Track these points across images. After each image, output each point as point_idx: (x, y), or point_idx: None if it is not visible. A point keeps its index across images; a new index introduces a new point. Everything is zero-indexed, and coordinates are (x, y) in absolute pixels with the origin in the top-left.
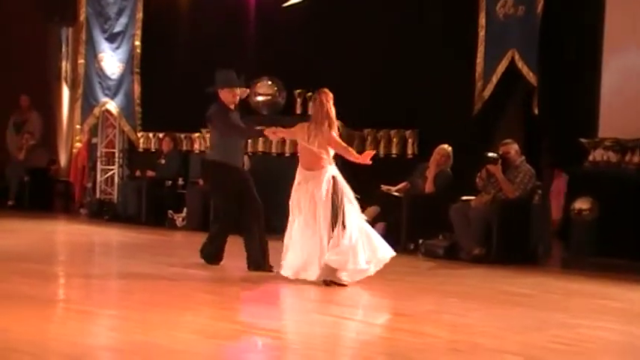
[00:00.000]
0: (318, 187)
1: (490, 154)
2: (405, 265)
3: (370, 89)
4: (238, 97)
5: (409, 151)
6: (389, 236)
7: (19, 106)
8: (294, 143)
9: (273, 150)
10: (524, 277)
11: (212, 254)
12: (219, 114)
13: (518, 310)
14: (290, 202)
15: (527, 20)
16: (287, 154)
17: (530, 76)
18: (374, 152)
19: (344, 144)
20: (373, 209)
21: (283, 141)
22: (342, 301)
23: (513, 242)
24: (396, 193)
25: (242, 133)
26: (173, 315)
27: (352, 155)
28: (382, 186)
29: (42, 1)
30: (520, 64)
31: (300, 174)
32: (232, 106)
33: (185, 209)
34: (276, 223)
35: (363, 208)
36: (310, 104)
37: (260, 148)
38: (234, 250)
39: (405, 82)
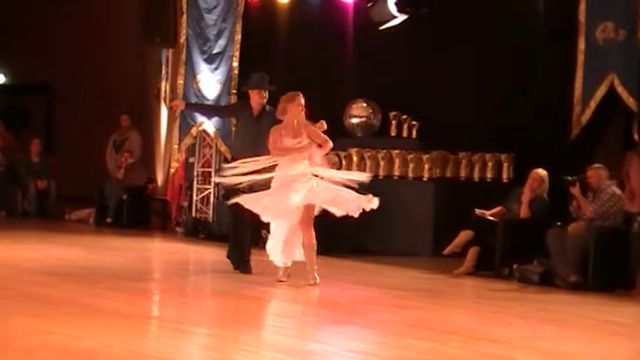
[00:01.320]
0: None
1: (567, 177)
2: (499, 291)
3: (465, 112)
4: (265, 99)
5: (504, 175)
6: (483, 261)
7: (120, 126)
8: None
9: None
10: (622, 305)
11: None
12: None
13: (617, 339)
14: None
15: (628, 45)
16: (381, 177)
17: (631, 101)
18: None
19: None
20: (467, 234)
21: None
22: (436, 325)
23: (611, 269)
24: (490, 218)
25: None
26: (264, 334)
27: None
28: (476, 210)
29: (143, 24)
30: (620, 88)
31: None
32: (258, 106)
33: None
34: (367, 243)
35: (455, 233)
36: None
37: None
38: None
39: (501, 105)
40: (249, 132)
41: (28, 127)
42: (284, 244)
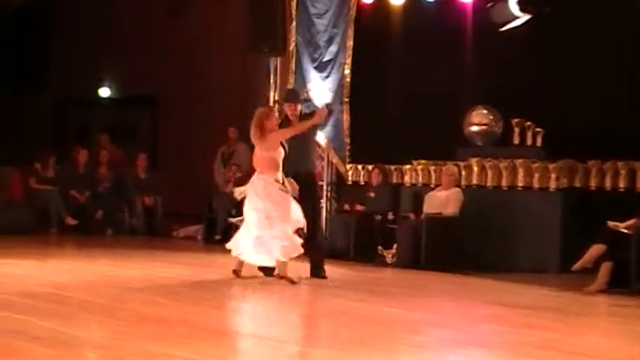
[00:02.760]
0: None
1: None
2: (635, 308)
3: (594, 117)
4: (297, 112)
5: (639, 185)
6: (616, 276)
7: (227, 138)
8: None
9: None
10: None
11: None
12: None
13: None
14: None
15: None
16: (504, 187)
17: None
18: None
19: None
20: (598, 248)
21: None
22: (565, 347)
23: None
24: (624, 230)
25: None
26: (380, 355)
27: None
28: (609, 222)
29: (250, 32)
30: None
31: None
32: (294, 119)
33: (395, 245)
34: (491, 258)
35: (585, 247)
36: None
37: (474, 181)
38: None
39: (633, 109)
40: (299, 145)
41: (135, 142)
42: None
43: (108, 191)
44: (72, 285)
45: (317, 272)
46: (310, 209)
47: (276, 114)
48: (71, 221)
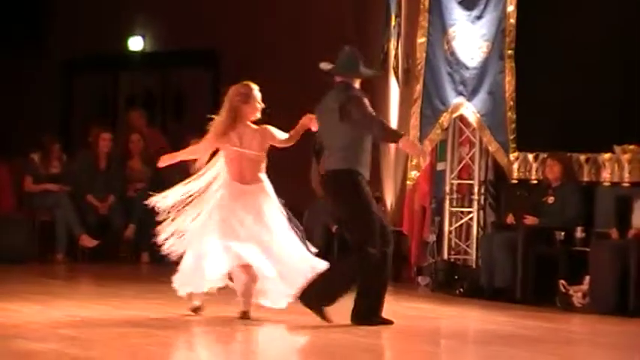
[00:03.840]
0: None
1: None
2: None
3: None
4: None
5: None
6: None
7: None
8: None
9: None
10: None
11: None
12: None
13: None
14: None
15: None
16: None
17: None
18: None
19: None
20: None
21: None
22: None
23: None
24: None
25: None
26: None
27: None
28: None
29: None
30: None
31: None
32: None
33: (587, 278)
34: None
35: None
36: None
37: None
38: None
39: None
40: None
41: (183, 120)
42: None
43: (143, 197)
44: (90, 340)
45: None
46: None
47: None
48: (89, 241)
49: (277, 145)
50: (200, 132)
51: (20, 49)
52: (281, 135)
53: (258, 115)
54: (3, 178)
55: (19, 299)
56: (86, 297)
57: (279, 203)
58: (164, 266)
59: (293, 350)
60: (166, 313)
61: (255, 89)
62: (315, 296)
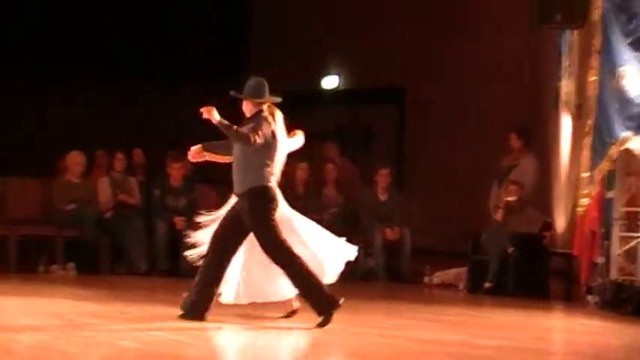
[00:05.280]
0: None
1: None
2: None
3: None
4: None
5: None
6: None
7: (509, 147)
8: None
9: None
10: None
11: None
12: None
13: None
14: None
15: None
16: None
17: None
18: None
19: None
20: None
21: None
22: None
23: None
24: None
25: None
26: None
27: None
28: None
29: None
30: None
31: None
32: None
33: None
34: None
35: None
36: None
37: None
38: None
39: None
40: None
41: (372, 152)
42: None
43: (335, 220)
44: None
45: None
46: None
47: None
48: None
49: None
50: (387, 162)
51: (220, 84)
52: None
53: None
54: (212, 201)
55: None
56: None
57: None
58: (353, 283)
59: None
60: (355, 327)
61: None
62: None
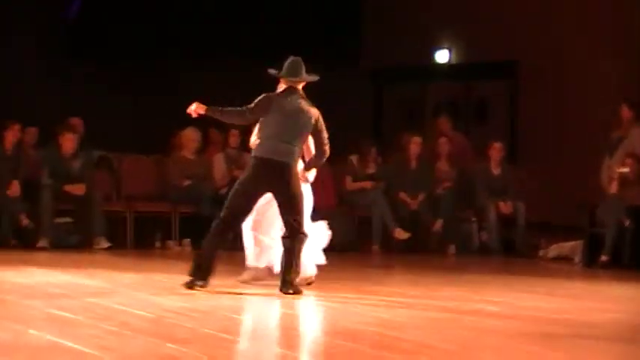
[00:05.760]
0: None
1: None
2: None
3: None
4: None
5: None
6: None
7: (619, 118)
8: None
9: None
10: None
11: None
12: None
13: None
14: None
15: None
16: None
17: None
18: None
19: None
20: None
21: None
22: None
23: None
24: None
25: None
26: None
27: None
28: None
29: None
30: None
31: None
32: None
33: None
34: None
35: None
36: None
37: None
38: None
39: None
40: None
41: (485, 126)
42: None
43: (449, 194)
44: (404, 323)
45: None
46: None
47: None
48: (401, 234)
49: None
50: (500, 136)
51: (334, 60)
52: None
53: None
54: (326, 178)
55: (339, 283)
56: (398, 284)
57: None
58: (468, 257)
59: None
60: (469, 302)
61: None
62: None
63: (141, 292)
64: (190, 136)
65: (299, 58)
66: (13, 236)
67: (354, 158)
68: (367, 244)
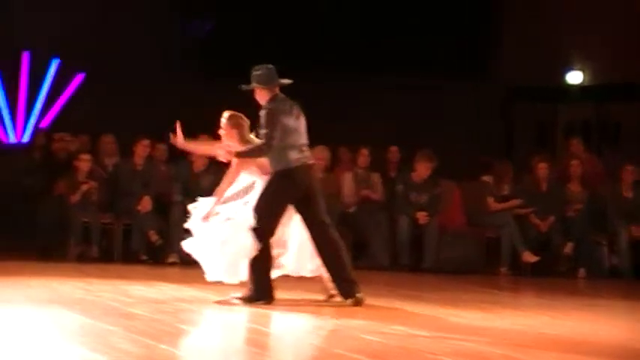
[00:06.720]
0: None
1: None
2: None
3: None
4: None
5: None
6: None
7: None
8: None
9: None
10: None
11: None
12: None
13: None
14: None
15: None
16: None
17: None
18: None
19: None
20: None
21: None
22: None
23: None
24: None
25: None
26: None
27: None
28: None
29: None
30: None
31: None
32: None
33: None
34: None
35: None
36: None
37: None
38: None
39: None
40: None
41: (618, 147)
42: None
43: (581, 217)
44: (530, 347)
45: None
46: None
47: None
48: (530, 257)
49: None
50: (633, 159)
51: (466, 75)
52: None
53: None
54: (456, 198)
55: (465, 304)
56: (527, 308)
57: None
58: (602, 282)
59: None
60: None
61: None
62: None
63: (267, 309)
64: (319, 154)
65: (269, 65)
66: (143, 251)
67: (488, 179)
68: (495, 266)
